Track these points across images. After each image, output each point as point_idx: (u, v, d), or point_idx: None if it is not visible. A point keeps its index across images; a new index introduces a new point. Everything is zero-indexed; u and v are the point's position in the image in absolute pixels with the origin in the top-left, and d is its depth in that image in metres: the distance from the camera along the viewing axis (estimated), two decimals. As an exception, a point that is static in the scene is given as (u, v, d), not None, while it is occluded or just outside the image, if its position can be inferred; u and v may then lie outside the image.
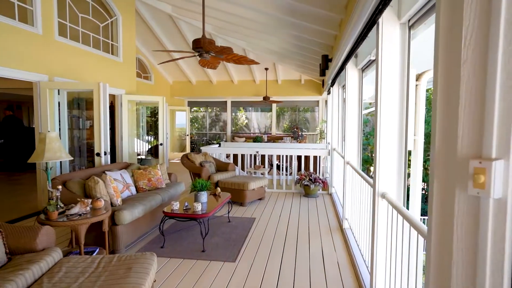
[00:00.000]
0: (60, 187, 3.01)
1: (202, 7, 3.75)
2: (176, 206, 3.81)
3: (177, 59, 4.37)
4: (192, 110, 14.28)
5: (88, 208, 3.07)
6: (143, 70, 10.81)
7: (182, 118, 13.10)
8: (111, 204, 3.73)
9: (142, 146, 9.52)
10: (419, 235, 1.72)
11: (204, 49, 3.40)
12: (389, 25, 2.33)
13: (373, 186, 2.49)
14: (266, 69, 10.87)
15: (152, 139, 10.88)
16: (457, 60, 1.09)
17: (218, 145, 8.95)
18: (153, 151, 10.57)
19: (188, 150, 12.39)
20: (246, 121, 15.49)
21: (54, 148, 3.04)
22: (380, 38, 2.36)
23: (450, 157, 1.14)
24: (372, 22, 2.36)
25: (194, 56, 3.74)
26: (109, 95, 5.70)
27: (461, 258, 1.10)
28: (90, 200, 3.12)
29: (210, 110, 14.67)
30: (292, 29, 5.66)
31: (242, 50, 9.41)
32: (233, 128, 13.77)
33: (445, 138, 1.17)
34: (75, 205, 3.04)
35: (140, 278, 2.17)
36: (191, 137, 13.10)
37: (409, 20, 2.25)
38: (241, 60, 3.77)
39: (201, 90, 12.58)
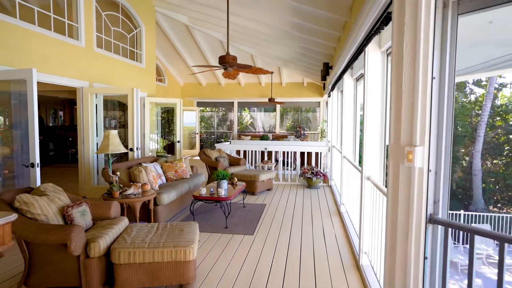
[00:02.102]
0: (118, 173, 3.87)
1: (227, 30, 4.58)
2: (203, 191, 4.66)
3: (203, 66, 5.19)
4: (199, 110, 15.10)
5: (139, 190, 3.92)
6: (158, 73, 11.64)
7: (189, 118, 13.90)
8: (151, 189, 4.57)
9: (153, 144, 10.33)
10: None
11: (228, 64, 4.24)
12: (372, 52, 3.16)
13: (361, 171, 3.33)
14: (272, 72, 11.67)
15: (159, 137, 11.69)
16: (400, 88, 1.92)
17: (229, 142, 9.78)
18: (167, 148, 11.44)
19: (197, 147, 13.23)
20: (251, 120, 16.34)
21: (115, 143, 3.88)
22: (366, 61, 3.20)
23: (397, 145, 1.97)
24: (360, 50, 3.20)
25: (220, 69, 4.57)
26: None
27: (403, 203, 1.94)
28: (140, 184, 3.97)
29: (216, 109, 15.52)
30: (297, 40, 6.49)
31: (250, 56, 10.25)
32: (238, 127, 14.59)
33: (395, 134, 2.00)
34: (129, 188, 3.89)
35: (191, 236, 3.01)
36: (200, 136, 13.93)
37: (387, 49, 3.08)
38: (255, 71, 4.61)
39: (210, 91, 13.42)
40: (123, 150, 3.97)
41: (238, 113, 14.69)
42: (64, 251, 2.63)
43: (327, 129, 9.45)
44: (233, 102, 14.00)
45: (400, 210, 1.96)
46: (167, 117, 12.95)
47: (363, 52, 3.21)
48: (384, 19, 2.27)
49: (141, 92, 7.62)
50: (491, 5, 1.67)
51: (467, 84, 15.60)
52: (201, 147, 14.01)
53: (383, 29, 2.40)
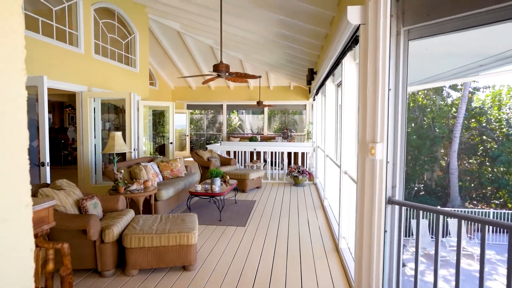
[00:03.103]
0: (122, 171, 4.25)
1: (220, 40, 5.02)
2: (199, 188, 5.08)
3: (198, 75, 5.62)
4: (189, 112, 15.47)
5: (141, 186, 4.31)
6: (149, 77, 11.97)
7: (180, 120, 14.24)
8: (150, 186, 4.96)
9: (146, 145, 10.66)
10: (360, 189, 3.03)
11: (224, 71, 4.68)
12: (348, 63, 3.67)
13: (339, 167, 3.82)
14: (259, 76, 12.15)
15: (150, 139, 12.01)
16: (366, 97, 2.41)
17: (219, 144, 10.20)
18: (158, 150, 11.76)
19: (188, 149, 13.59)
20: (240, 122, 16.80)
21: (120, 143, 4.26)
22: (343, 70, 3.70)
23: (363, 142, 2.46)
24: (338, 62, 3.70)
25: (214, 76, 5.01)
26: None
27: (368, 188, 2.42)
28: (142, 181, 4.36)
29: (205, 112, 15.91)
30: (284, 48, 6.98)
31: (239, 61, 10.71)
32: (227, 129, 15.01)
33: (362, 134, 2.49)
34: (132, 184, 4.28)
35: (192, 224, 3.44)
36: (190, 138, 14.29)
37: (360, 62, 3.58)
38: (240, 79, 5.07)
39: (200, 94, 13.81)
40: (126, 150, 4.37)
41: (227, 116, 15.11)
42: (82, 237, 3.02)
43: (313, 130, 9.98)
44: (222, 105, 14.41)
45: (366, 194, 2.44)
46: (157, 120, 13.27)
47: (341, 64, 3.71)
48: (354, 40, 2.76)
49: (136, 95, 7.97)
50: (432, 34, 2.17)
51: (444, 88, 16.46)
52: (191, 149, 14.36)
53: (354, 47, 2.89)
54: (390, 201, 2.35)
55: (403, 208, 2.33)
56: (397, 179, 2.37)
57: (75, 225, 2.89)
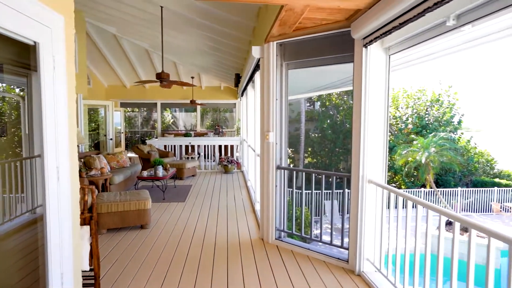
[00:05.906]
0: (82, 160, 5.17)
1: (161, 52, 6.14)
2: (145, 173, 6.17)
3: (142, 81, 6.65)
4: (123, 110, 15.86)
5: (99, 172, 5.29)
6: (82, 75, 12.25)
7: (115, 118, 14.65)
8: (102, 173, 5.90)
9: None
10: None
11: (164, 79, 5.84)
12: (257, 78, 5.14)
13: (254, 151, 5.31)
14: (192, 77, 13.28)
15: (87, 135, 12.36)
16: (263, 103, 3.89)
17: (156, 139, 11.12)
18: (94, 146, 12.17)
19: (123, 145, 14.10)
20: (173, 119, 17.65)
21: (80, 137, 5.13)
22: (256, 82, 5.18)
23: (263, 131, 3.94)
24: (252, 76, 5.17)
25: (157, 82, 6.12)
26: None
27: (266, 160, 3.90)
28: (99, 167, 5.33)
29: (139, 110, 16.44)
30: (214, 56, 8.28)
31: (173, 63, 11.72)
32: (161, 127, 15.79)
33: (262, 126, 3.96)
34: (91, 170, 5.23)
35: (146, 195, 4.60)
36: (125, 135, 14.77)
37: (267, 76, 5.09)
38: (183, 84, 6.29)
39: (134, 93, 14.37)
40: (86, 142, 5.27)
41: (161, 113, 15.87)
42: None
43: (241, 126, 11.48)
44: (156, 103, 15.15)
45: (265, 163, 3.92)
46: (90, 117, 13.53)
47: (253, 77, 5.18)
48: (258, 66, 4.23)
49: (81, 96, 8.56)
50: (299, 67, 3.72)
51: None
52: (126, 146, 14.85)
53: (258, 70, 4.36)
54: (278, 167, 3.86)
55: (286, 171, 3.86)
56: (282, 154, 3.89)
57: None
